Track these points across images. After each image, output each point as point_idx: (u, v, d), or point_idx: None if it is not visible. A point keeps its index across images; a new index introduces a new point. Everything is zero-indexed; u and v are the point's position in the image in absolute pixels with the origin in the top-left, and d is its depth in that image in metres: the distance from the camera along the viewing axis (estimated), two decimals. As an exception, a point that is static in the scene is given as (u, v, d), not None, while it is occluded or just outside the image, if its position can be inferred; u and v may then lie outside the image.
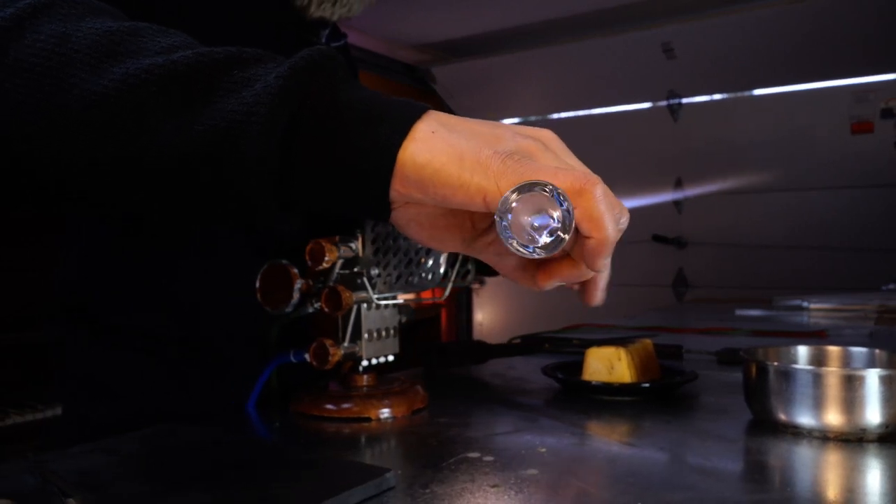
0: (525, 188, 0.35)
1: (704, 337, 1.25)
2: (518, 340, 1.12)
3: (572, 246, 0.40)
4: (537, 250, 0.36)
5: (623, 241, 0.40)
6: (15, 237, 2.14)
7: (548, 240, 0.36)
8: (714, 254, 3.06)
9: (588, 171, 0.39)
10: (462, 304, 3.81)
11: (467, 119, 0.40)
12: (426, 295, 0.76)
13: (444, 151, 0.37)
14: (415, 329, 3.27)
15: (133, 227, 0.73)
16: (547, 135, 0.41)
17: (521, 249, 0.36)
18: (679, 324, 1.49)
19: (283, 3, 0.75)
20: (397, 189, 0.38)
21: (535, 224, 0.35)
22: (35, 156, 0.40)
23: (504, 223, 0.36)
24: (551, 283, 0.43)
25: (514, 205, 0.35)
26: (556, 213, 0.35)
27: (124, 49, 0.39)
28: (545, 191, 0.35)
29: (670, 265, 3.17)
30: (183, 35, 0.42)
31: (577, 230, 0.38)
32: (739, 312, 1.68)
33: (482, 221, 0.44)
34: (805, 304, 1.77)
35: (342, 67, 0.40)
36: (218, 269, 0.76)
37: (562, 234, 0.35)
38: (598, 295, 0.45)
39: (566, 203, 0.35)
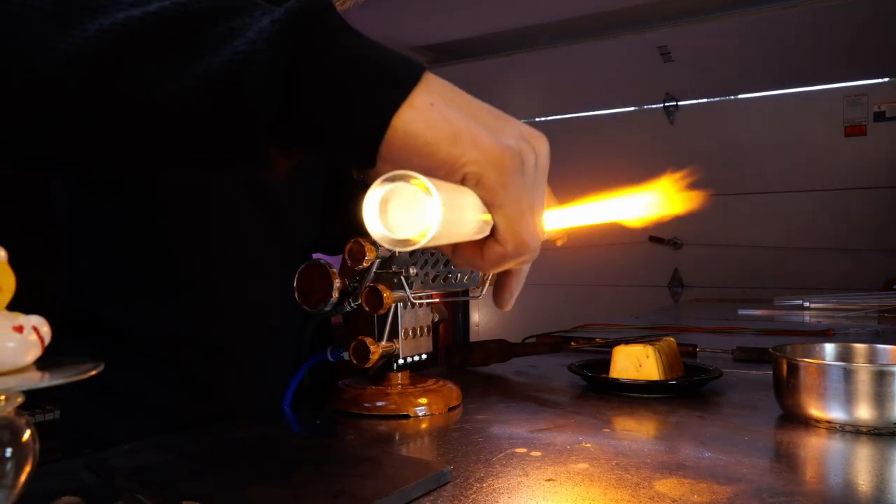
0: (402, 178, 0.33)
1: (714, 336, 1.27)
2: (533, 339, 1.13)
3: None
4: (397, 242, 0.34)
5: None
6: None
7: (411, 236, 0.34)
8: (709, 255, 3.09)
9: (538, 236, 0.39)
10: (459, 305, 3.81)
11: (468, 96, 0.38)
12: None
13: (439, 127, 0.36)
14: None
15: (143, 232, 0.70)
16: (541, 144, 0.40)
17: (382, 234, 0.34)
18: (686, 323, 1.51)
19: None
20: (382, 149, 0.37)
21: (399, 217, 0.34)
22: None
23: (372, 202, 0.34)
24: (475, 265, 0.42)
25: (387, 188, 0.34)
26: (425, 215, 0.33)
27: (93, 3, 0.35)
28: (419, 186, 0.33)
29: (666, 266, 3.20)
30: None
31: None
32: (742, 312, 1.70)
33: None
34: (805, 303, 1.79)
35: (337, 13, 0.38)
36: (232, 272, 0.73)
37: (423, 236, 0.34)
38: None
39: (437, 208, 0.33)
